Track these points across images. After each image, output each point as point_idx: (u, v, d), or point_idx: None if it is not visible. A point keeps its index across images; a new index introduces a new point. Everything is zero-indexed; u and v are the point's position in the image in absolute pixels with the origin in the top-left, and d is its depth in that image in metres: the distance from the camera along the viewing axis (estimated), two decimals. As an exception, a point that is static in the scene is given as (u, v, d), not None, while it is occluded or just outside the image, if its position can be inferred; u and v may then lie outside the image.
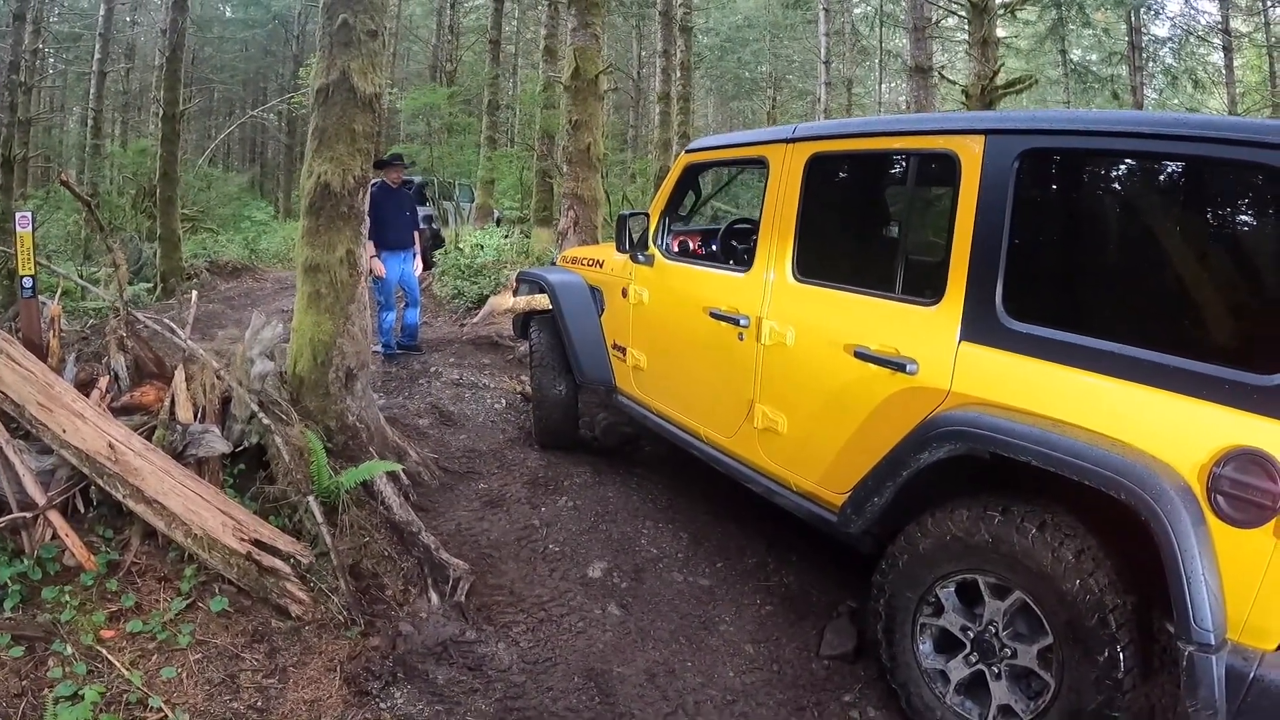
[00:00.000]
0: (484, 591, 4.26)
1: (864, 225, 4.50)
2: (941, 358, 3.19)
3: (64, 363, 4.59)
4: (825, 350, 3.70)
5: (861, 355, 3.47)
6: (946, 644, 3.25)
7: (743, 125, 38.92)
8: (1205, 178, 2.75)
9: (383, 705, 3.33)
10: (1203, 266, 2.76)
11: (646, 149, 25.23)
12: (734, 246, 5.51)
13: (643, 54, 32.77)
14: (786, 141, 4.14)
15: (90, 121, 23.06)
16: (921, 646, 3.30)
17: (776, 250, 4.09)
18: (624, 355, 5.40)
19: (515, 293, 6.47)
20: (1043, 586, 2.83)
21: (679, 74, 18.42)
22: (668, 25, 18.16)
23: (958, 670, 3.18)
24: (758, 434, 4.15)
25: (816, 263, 3.98)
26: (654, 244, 5.14)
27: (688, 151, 5.12)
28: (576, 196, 9.92)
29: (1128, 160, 2.94)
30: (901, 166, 3.85)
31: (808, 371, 3.83)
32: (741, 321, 4.17)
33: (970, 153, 3.18)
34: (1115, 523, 2.75)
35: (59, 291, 6.45)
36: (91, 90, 22.65)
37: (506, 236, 15.45)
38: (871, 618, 3.46)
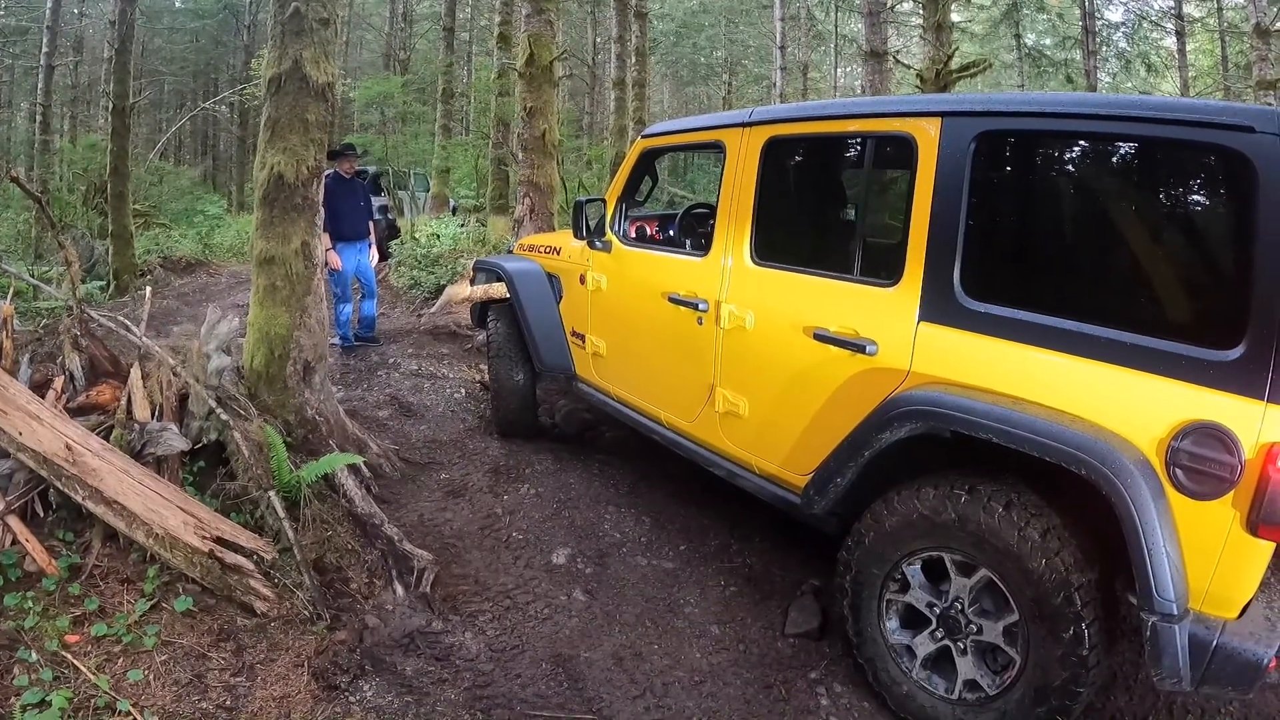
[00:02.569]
0: (449, 581, 4.27)
1: (822, 208, 4.53)
2: (901, 338, 3.22)
3: (18, 364, 4.51)
4: (785, 333, 3.72)
5: (821, 337, 3.50)
6: (912, 620, 3.31)
7: (699, 111, 38.97)
8: (1160, 158, 2.79)
9: (352, 699, 3.33)
10: (1159, 245, 2.81)
11: (602, 135, 25.17)
12: (692, 231, 5.52)
13: (598, 40, 32.65)
14: (743, 125, 4.16)
15: (39, 117, 22.57)
16: (888, 622, 3.35)
17: (734, 234, 4.10)
18: (583, 342, 5.40)
19: (472, 282, 6.43)
20: (1009, 565, 2.87)
21: (634, 60, 18.37)
22: (623, 11, 18.10)
23: (924, 646, 3.24)
24: (719, 418, 4.18)
25: (775, 246, 4.00)
26: (611, 230, 5.15)
27: (644, 137, 5.12)
28: (532, 184, 9.88)
29: (1083, 141, 2.97)
30: (858, 149, 3.86)
31: (767, 355, 3.84)
32: (700, 306, 4.19)
33: (927, 135, 3.21)
34: (1075, 497, 2.81)
35: (10, 292, 6.35)
36: (39, 85, 22.16)
37: (463, 225, 15.37)
38: (837, 594, 3.49)
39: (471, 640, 3.81)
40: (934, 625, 3.19)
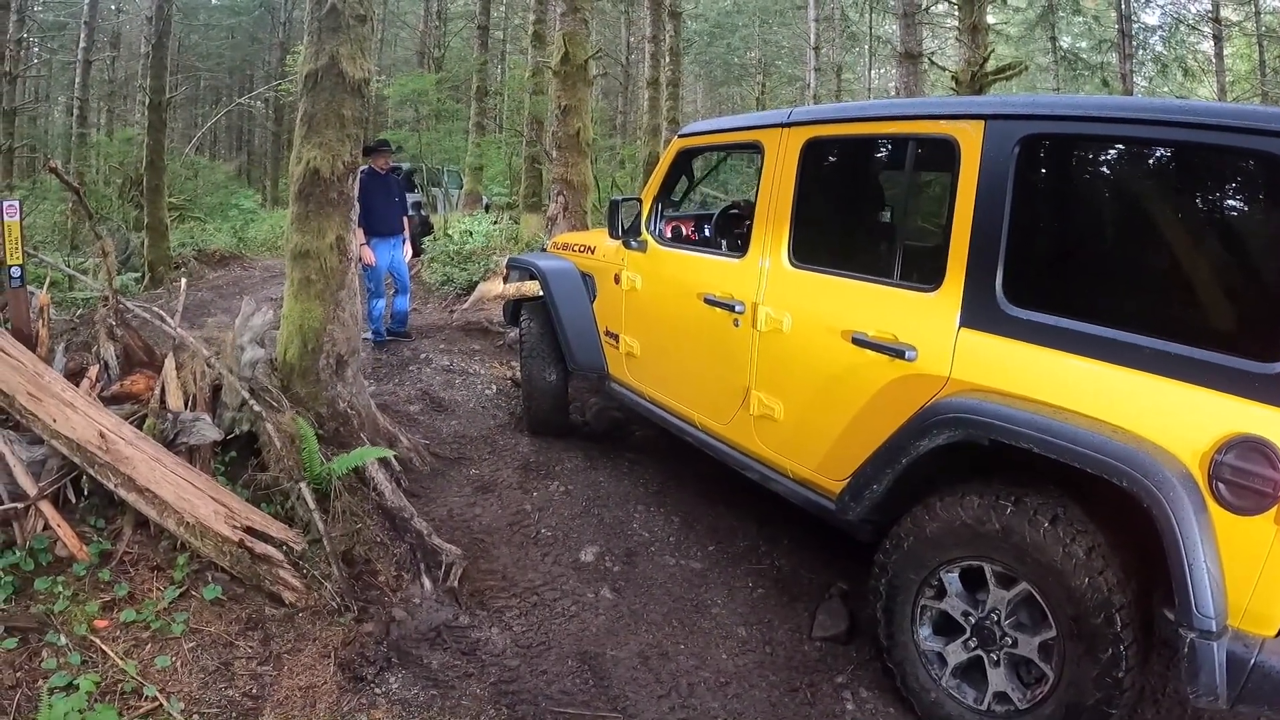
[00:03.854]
0: (477, 576, 4.28)
1: (861, 211, 4.47)
2: (941, 344, 3.16)
3: (53, 352, 4.57)
4: (822, 336, 3.67)
5: (859, 341, 3.45)
6: (946, 627, 3.26)
7: (732, 111, 38.86)
8: (1203, 164, 2.72)
9: (378, 691, 3.34)
10: (1204, 254, 2.74)
11: (635, 135, 25.13)
12: (728, 232, 5.46)
13: (631, 39, 32.62)
14: (782, 126, 4.09)
15: (76, 111, 22.91)
16: (921, 628, 3.29)
17: (772, 236, 4.04)
18: (617, 342, 5.35)
19: (505, 280, 6.41)
20: (1050, 580, 2.81)
21: (668, 59, 18.34)
22: (656, 10, 18.06)
23: (956, 654, 3.18)
24: (754, 421, 4.12)
25: (813, 248, 3.94)
26: (647, 230, 5.09)
27: (681, 136, 5.05)
28: (566, 182, 9.89)
29: (1129, 147, 2.90)
30: (899, 151, 3.78)
31: (805, 358, 3.79)
32: (737, 308, 4.13)
33: (970, 138, 3.15)
34: (1111, 508, 2.76)
35: (47, 281, 6.42)
36: (77, 79, 22.50)
37: (495, 223, 15.43)
38: (871, 596, 3.43)
39: (498, 635, 3.81)
40: (968, 634, 3.14)
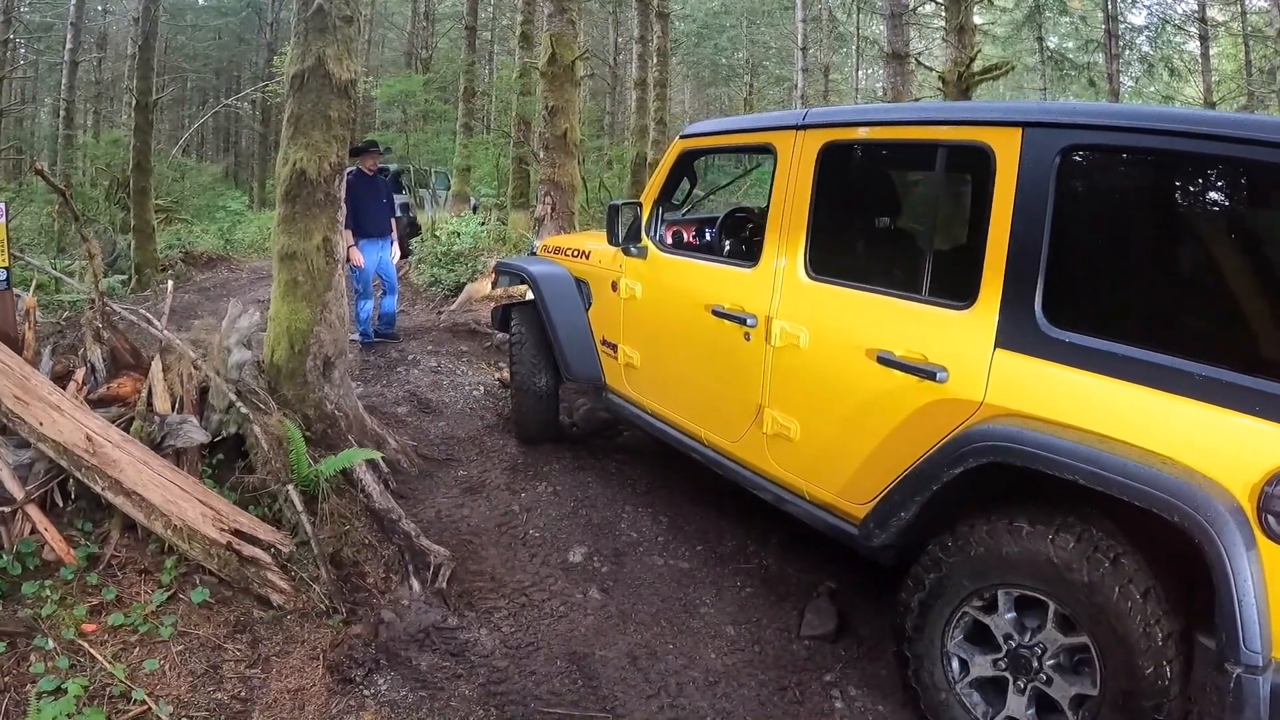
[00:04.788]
0: (465, 578, 4.28)
1: (886, 221, 4.27)
2: (974, 366, 3.00)
3: (40, 355, 4.56)
4: (844, 354, 3.49)
5: (885, 361, 3.27)
6: (979, 638, 3.09)
7: (720, 112, 38.90)
8: (1255, 182, 2.62)
9: (366, 693, 3.34)
10: (1258, 276, 2.62)
11: (623, 135, 25.19)
12: (733, 238, 5.26)
13: (619, 40, 32.61)
14: (796, 128, 3.90)
15: (62, 112, 22.81)
16: (954, 630, 3.11)
17: (787, 245, 3.84)
18: (615, 352, 5.15)
19: (494, 284, 6.31)
20: (1106, 630, 2.63)
21: (656, 60, 18.37)
22: (644, 11, 18.09)
23: (981, 666, 3.04)
24: (767, 440, 3.94)
25: (832, 260, 3.75)
26: (647, 235, 4.87)
27: (683, 137, 4.85)
28: (553, 183, 9.90)
29: (1179, 162, 2.73)
30: (928, 158, 3.57)
31: (824, 376, 3.61)
32: (748, 321, 3.93)
33: (1006, 146, 2.98)
34: (1145, 531, 2.65)
35: (34, 284, 6.39)
36: (63, 80, 22.39)
37: (483, 224, 15.41)
38: (911, 582, 3.17)
39: (487, 637, 3.81)
40: (1001, 654, 2.97)
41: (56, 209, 16.47)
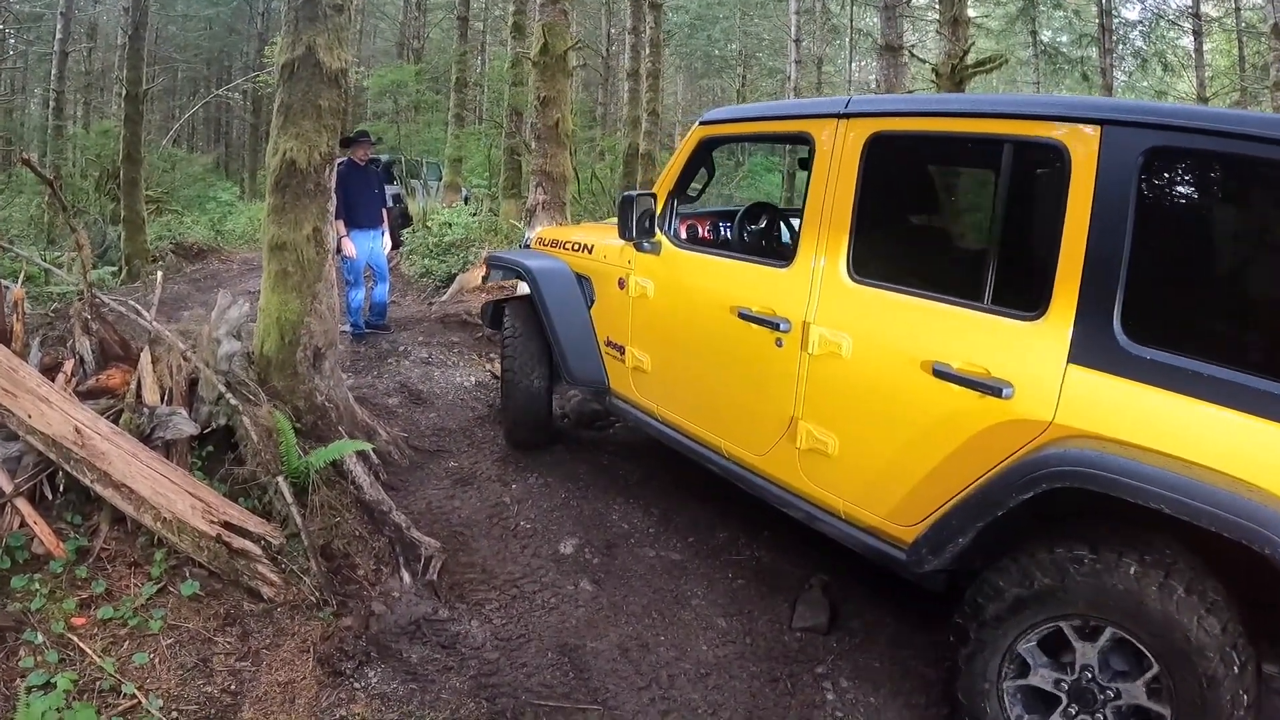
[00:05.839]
0: (456, 570, 4.27)
1: (942, 220, 4.06)
2: (1044, 383, 2.79)
3: (29, 347, 4.53)
4: (893, 366, 3.24)
5: (942, 374, 3.03)
6: (1033, 668, 2.87)
7: (713, 103, 38.87)
8: None
9: (357, 685, 3.34)
10: None
11: (616, 126, 25.15)
12: (757, 234, 4.98)
13: (612, 31, 32.56)
14: (838, 116, 3.59)
15: (52, 103, 22.65)
16: (1023, 644, 2.86)
17: (827, 244, 3.55)
18: (621, 355, 4.84)
19: (484, 279, 6.05)
20: (1188, 679, 2.46)
21: (648, 51, 18.30)
22: (637, 2, 18.02)
23: (1042, 680, 2.84)
24: (799, 455, 3.68)
25: (880, 261, 3.48)
26: (661, 229, 4.55)
27: (703, 123, 4.51)
28: (545, 173, 9.87)
29: (1270, 169, 2.53)
30: (990, 154, 3.32)
31: (869, 389, 3.35)
32: (781, 326, 3.65)
33: (1082, 145, 2.77)
34: (1212, 552, 2.54)
35: (22, 275, 6.35)
36: (53, 71, 22.23)
37: (475, 214, 15.38)
38: (968, 607, 2.95)
39: (478, 629, 3.81)
40: (1066, 684, 2.78)
41: (46, 200, 16.37)
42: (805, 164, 4.36)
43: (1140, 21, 22.90)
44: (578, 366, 5.11)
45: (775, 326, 3.68)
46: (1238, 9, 21.28)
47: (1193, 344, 2.56)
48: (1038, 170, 3.18)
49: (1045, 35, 25.07)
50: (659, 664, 3.65)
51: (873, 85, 25.89)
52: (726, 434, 4.15)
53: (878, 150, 3.45)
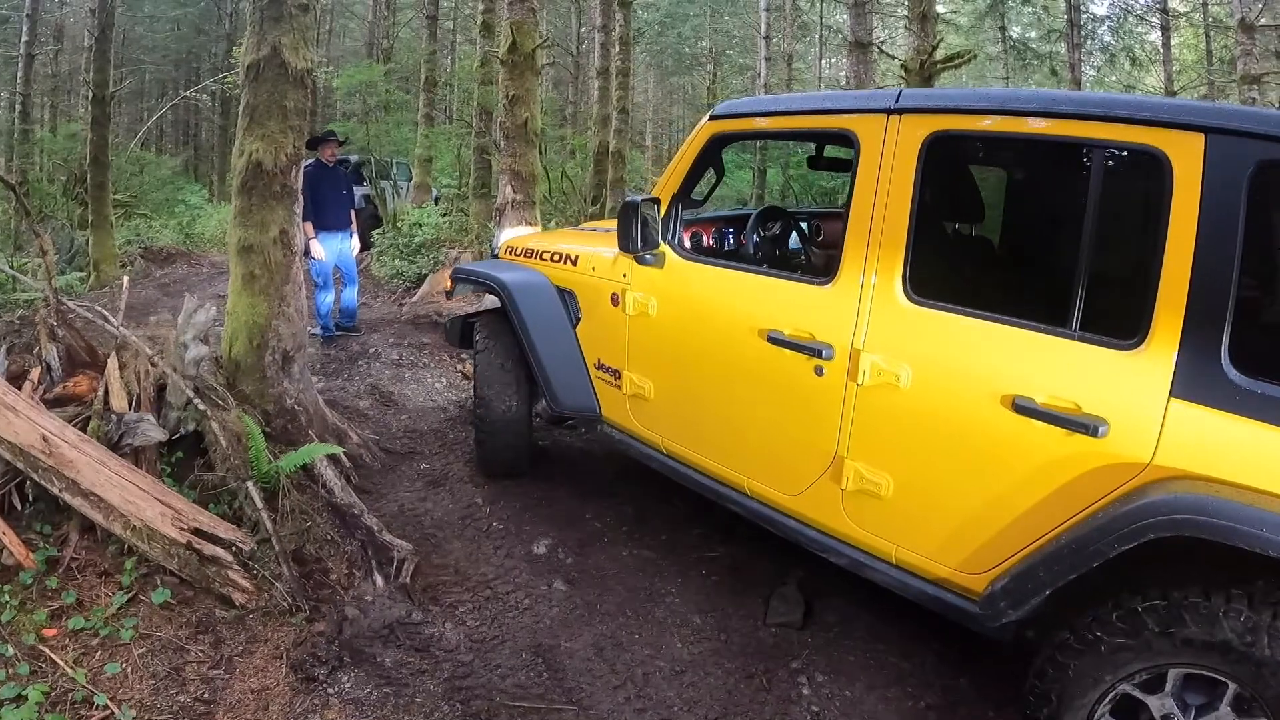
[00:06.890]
0: (429, 572, 4.26)
1: (1018, 234, 3.67)
2: (1143, 419, 2.50)
3: (-7, 355, 4.48)
4: (966, 400, 2.89)
5: (1024, 410, 2.71)
6: (1126, 712, 2.63)
7: (683, 101, 38.93)
8: None
9: (330, 691, 3.32)
10: None
11: (586, 124, 25.08)
12: (772, 242, 4.53)
13: (581, 29, 32.44)
14: (888, 112, 3.19)
15: (18, 106, 22.32)
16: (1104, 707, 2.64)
17: (878, 259, 3.15)
18: (617, 380, 4.39)
19: (449, 294, 5.71)
20: None
21: (618, 49, 18.25)
22: (607, 0, 18.02)
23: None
24: (844, 496, 3.32)
25: (943, 280, 3.11)
26: (664, 238, 4.09)
27: (714, 118, 3.97)
28: (514, 173, 9.84)
29: None
30: (1074, 161, 3.08)
31: (934, 425, 3.00)
32: (823, 353, 3.24)
33: (1186, 154, 2.47)
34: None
35: (-13, 282, 6.29)
36: (19, 74, 21.90)
37: (445, 215, 15.34)
38: (1051, 669, 2.69)
39: (451, 631, 3.80)
40: None
41: (11, 205, 16.16)
42: (815, 163, 4.20)
43: (1108, 16, 23.18)
44: (565, 394, 4.69)
45: (815, 353, 3.28)
46: (1205, 4, 21.59)
47: None
48: (1134, 180, 2.93)
49: (1014, 31, 25.34)
50: (634, 662, 3.65)
51: (842, 82, 26.04)
52: (750, 471, 3.76)
53: (939, 152, 3.09)
